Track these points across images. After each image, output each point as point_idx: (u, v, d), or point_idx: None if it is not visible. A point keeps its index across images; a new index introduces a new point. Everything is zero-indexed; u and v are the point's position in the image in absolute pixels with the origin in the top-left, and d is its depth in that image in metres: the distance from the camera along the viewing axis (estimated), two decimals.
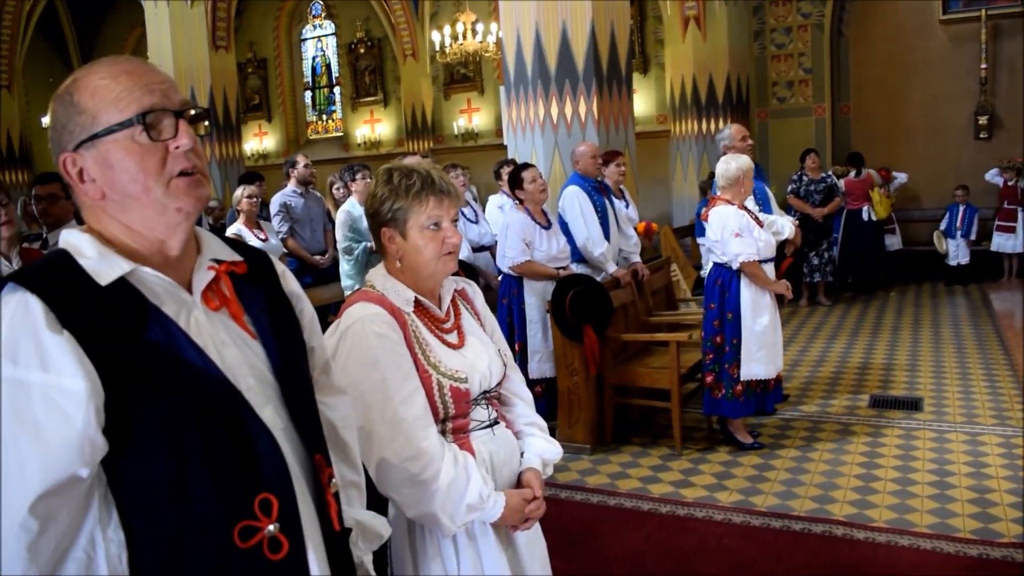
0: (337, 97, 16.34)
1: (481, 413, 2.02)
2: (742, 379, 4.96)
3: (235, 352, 1.32)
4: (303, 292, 1.58)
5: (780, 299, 5.07)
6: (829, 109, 11.96)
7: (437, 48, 11.66)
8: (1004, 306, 8.94)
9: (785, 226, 5.56)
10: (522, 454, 2.11)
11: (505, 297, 5.46)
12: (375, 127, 15.59)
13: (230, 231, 6.89)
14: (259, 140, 16.76)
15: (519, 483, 2.06)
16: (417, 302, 1.99)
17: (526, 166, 5.48)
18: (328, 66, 16.42)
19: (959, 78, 11.28)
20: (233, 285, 1.39)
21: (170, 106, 1.28)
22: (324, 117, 16.61)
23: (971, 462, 4.66)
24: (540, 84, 7.05)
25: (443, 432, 1.95)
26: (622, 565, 3.76)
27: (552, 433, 5.08)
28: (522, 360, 5.40)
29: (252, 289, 1.43)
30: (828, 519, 4.03)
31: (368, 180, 6.64)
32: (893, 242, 10.75)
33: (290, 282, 1.55)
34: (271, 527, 1.25)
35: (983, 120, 11.16)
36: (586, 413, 5.20)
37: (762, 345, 4.93)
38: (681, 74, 11.40)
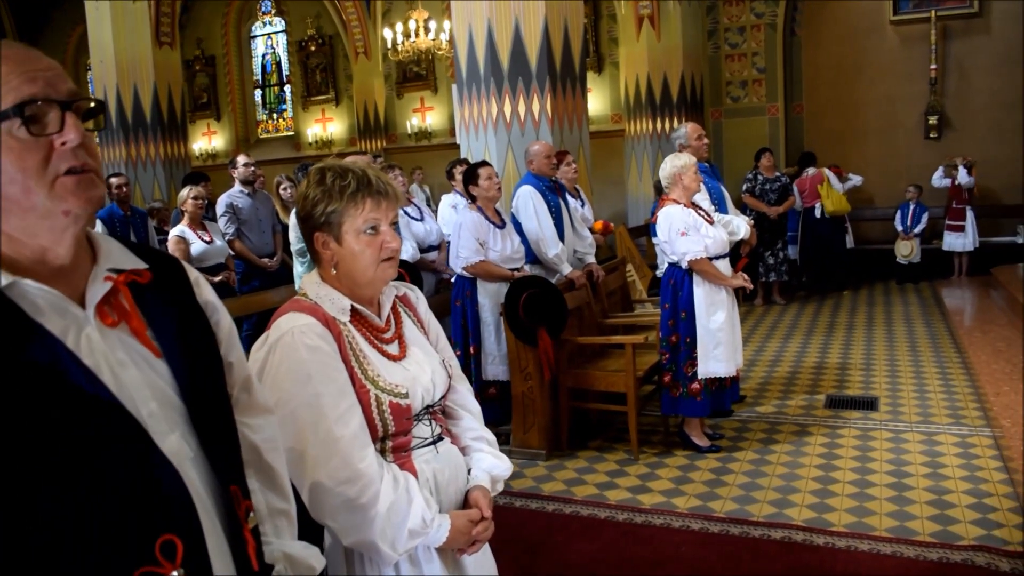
0: (288, 96, 16.04)
1: (424, 429, 1.88)
2: (700, 377, 4.88)
3: (135, 373, 1.16)
4: (219, 302, 1.43)
5: (741, 294, 5.01)
6: (782, 109, 12.01)
7: (389, 46, 11.46)
8: (955, 304, 9.03)
9: (741, 226, 5.50)
10: (469, 471, 1.97)
11: (459, 299, 5.32)
12: (327, 126, 15.32)
13: (173, 232, 6.65)
14: (208, 139, 16.39)
15: (466, 502, 1.92)
16: (354, 311, 1.85)
17: (482, 164, 5.35)
18: (279, 64, 16.11)
19: (910, 79, 11.41)
20: (136, 297, 1.23)
21: (55, 96, 1.12)
22: (275, 116, 16.29)
23: (928, 463, 4.63)
24: (493, 82, 6.92)
25: (382, 451, 1.81)
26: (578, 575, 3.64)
27: (506, 438, 4.94)
28: (476, 363, 5.27)
29: (158, 300, 1.26)
30: (787, 524, 3.95)
31: None
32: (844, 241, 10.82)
33: (204, 291, 1.40)
34: (175, 573, 1.10)
35: (933, 120, 11.30)
36: (541, 418, 5.08)
37: (719, 342, 4.85)
38: (636, 73, 11.34)
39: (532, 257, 5.59)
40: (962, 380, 6.16)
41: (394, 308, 1.96)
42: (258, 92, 16.42)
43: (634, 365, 4.93)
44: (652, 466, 4.86)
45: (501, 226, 5.27)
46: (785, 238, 9.80)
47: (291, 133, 15.96)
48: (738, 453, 4.96)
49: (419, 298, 2.06)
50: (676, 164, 4.86)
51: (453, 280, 5.45)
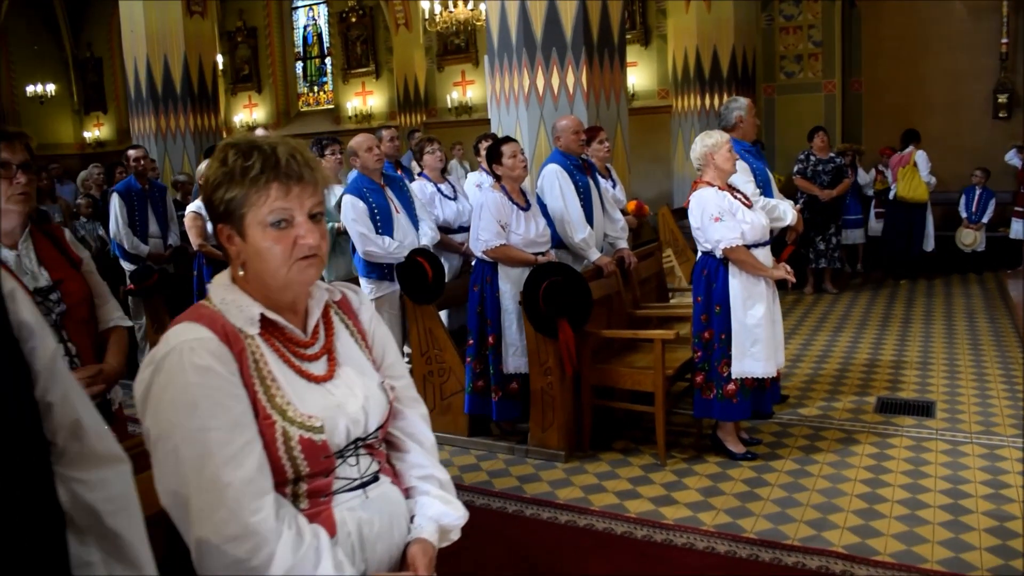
0: (328, 68, 15.75)
1: (350, 469, 1.52)
2: (735, 377, 4.44)
3: None
4: (42, 323, 1.07)
5: (783, 286, 4.56)
6: (839, 85, 11.36)
7: (426, 16, 11.06)
8: (1022, 297, 8.38)
9: (788, 211, 5.03)
10: (414, 519, 1.60)
11: (477, 284, 4.92)
12: (367, 99, 15.02)
13: (190, 208, 6.40)
14: (249, 112, 16.21)
15: (404, 559, 1.55)
16: (266, 321, 1.48)
17: (507, 140, 4.94)
18: (320, 36, 15.82)
19: (978, 53, 10.67)
20: None
21: None
22: (315, 89, 16.04)
23: (989, 481, 4.14)
24: (525, 53, 6.50)
25: (294, 497, 1.45)
26: None
27: (524, 437, 4.52)
28: (495, 354, 4.88)
29: None
30: (825, 550, 3.52)
31: (339, 156, 6.12)
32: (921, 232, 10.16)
33: (21, 308, 1.04)
34: None
35: (1003, 98, 10.57)
36: (561, 416, 4.70)
37: (757, 339, 4.40)
38: (684, 46, 10.78)
39: (558, 241, 5.19)
40: None
41: (327, 316, 1.60)
42: (299, 64, 16.17)
43: (663, 362, 4.51)
44: (680, 473, 4.45)
45: (526, 208, 4.86)
46: (839, 222, 9.21)
47: (331, 106, 15.69)
48: (776, 462, 4.52)
49: (363, 303, 1.69)
50: (707, 143, 4.40)
51: (473, 264, 5.07)
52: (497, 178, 4.88)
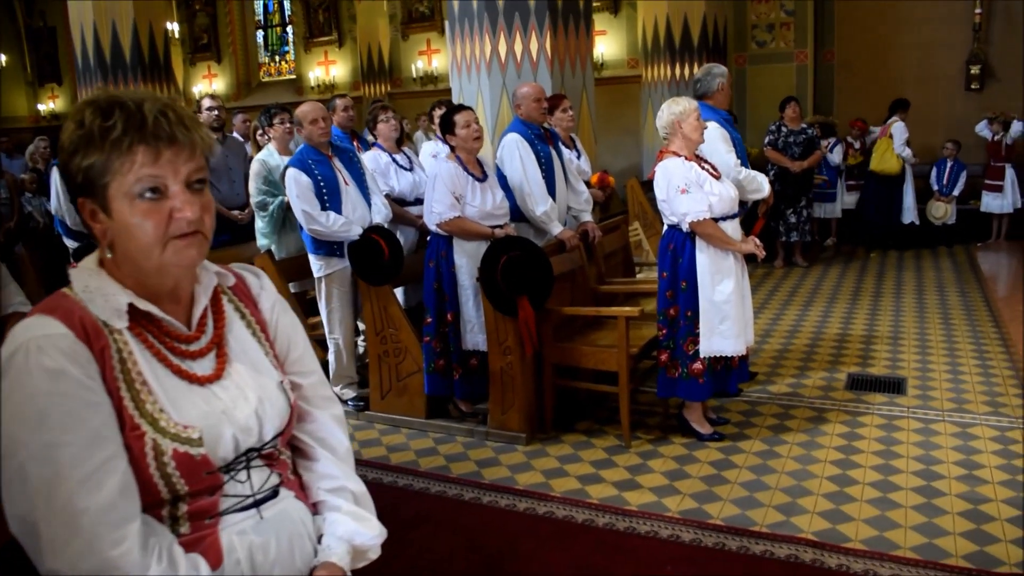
0: (290, 37, 15.30)
1: (240, 486, 1.29)
2: (703, 356, 4.26)
3: None
4: None
5: (751, 260, 4.36)
6: (811, 55, 11.16)
7: None
8: (993, 270, 8.30)
9: (765, 183, 4.83)
10: (321, 538, 1.38)
11: (432, 259, 4.68)
12: (329, 69, 14.59)
13: None
14: (208, 83, 15.74)
15: None
16: (137, 312, 1.25)
17: (460, 108, 4.68)
18: (280, 3, 15.34)
19: (951, 24, 10.51)
20: None
21: None
22: (276, 58, 15.58)
23: (962, 462, 4.00)
24: (487, 17, 6.22)
25: (172, 520, 1.22)
26: None
27: (484, 418, 4.29)
28: (454, 331, 4.67)
29: None
30: (795, 537, 3.36)
31: (288, 126, 5.82)
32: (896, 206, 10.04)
33: None
34: None
35: (975, 70, 10.43)
36: (521, 397, 4.49)
37: (725, 316, 4.21)
38: (654, 15, 10.49)
39: (519, 215, 4.96)
40: (1001, 359, 5.49)
41: (217, 304, 1.36)
42: (260, 33, 15.69)
43: (627, 340, 4.31)
44: (645, 456, 4.27)
45: (482, 179, 4.62)
46: (810, 195, 9.06)
47: (293, 77, 15.26)
48: (744, 443, 4.35)
49: (264, 287, 1.46)
50: (674, 111, 4.18)
51: (428, 238, 4.82)
52: (452, 148, 4.64)
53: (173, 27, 14.79)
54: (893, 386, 5.10)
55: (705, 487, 3.87)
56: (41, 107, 18.14)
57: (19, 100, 18.08)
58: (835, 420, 4.60)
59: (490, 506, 3.80)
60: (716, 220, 4.15)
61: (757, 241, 4.25)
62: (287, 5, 15.20)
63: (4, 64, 17.33)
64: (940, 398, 4.87)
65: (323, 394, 1.49)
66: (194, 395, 1.26)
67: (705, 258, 4.17)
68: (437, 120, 5.62)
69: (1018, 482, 3.76)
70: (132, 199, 1.19)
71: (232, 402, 1.29)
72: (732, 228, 4.25)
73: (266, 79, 15.66)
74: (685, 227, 4.16)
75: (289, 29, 15.27)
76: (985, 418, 4.53)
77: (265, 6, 15.53)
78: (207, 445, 1.23)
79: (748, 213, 4.83)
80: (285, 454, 1.40)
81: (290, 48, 15.33)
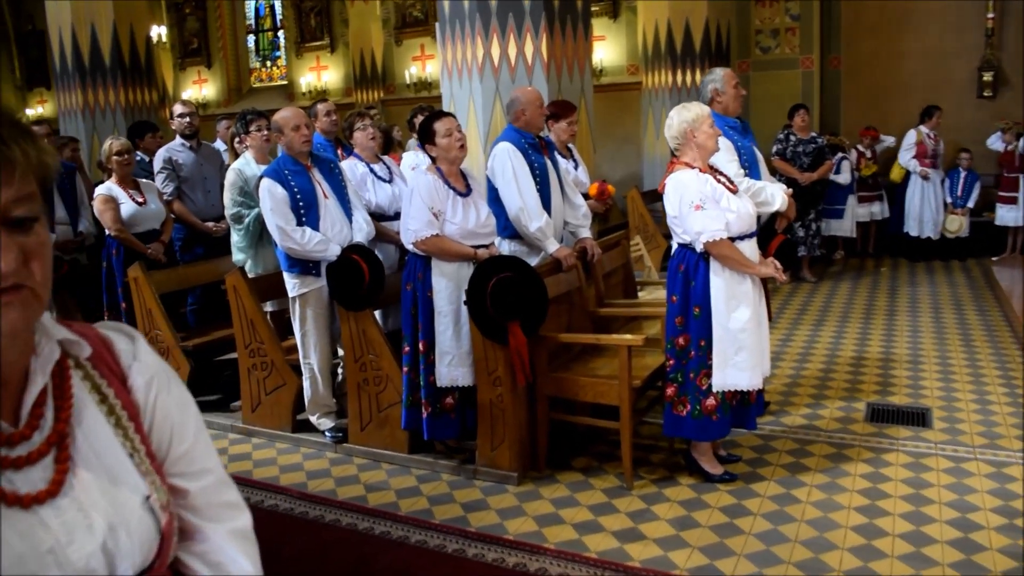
0: (282, 42, 14.91)
1: None
2: (715, 390, 3.84)
3: None
4: None
5: (768, 284, 3.95)
6: (817, 61, 10.78)
7: None
8: (1011, 287, 7.90)
9: (776, 195, 4.42)
10: None
11: (409, 282, 4.24)
12: (321, 75, 14.20)
13: (99, 191, 5.69)
14: (198, 88, 15.35)
15: None
16: None
17: (441, 114, 4.26)
18: (272, 7, 14.96)
19: (962, 29, 10.13)
20: None
21: None
22: (268, 63, 15.19)
23: (1000, 508, 3.60)
24: (479, 19, 5.84)
25: None
26: None
27: (471, 456, 3.86)
28: (427, 363, 4.22)
29: None
30: None
31: (265, 132, 5.42)
32: (880, 210, 9.69)
33: None
34: None
35: (988, 77, 10.05)
36: (512, 432, 4.09)
37: (742, 346, 3.79)
38: (655, 20, 10.13)
39: (512, 231, 4.57)
40: None
41: (63, 385, 0.96)
42: (251, 38, 15.30)
43: (630, 372, 3.90)
44: (649, 499, 3.86)
45: (465, 193, 4.20)
46: (819, 208, 8.67)
47: (285, 82, 14.86)
48: (758, 485, 3.95)
49: (139, 355, 1.05)
50: (685, 118, 3.78)
51: (406, 258, 4.40)
52: (433, 159, 4.23)
53: (161, 31, 14.40)
54: (917, 418, 4.70)
55: (716, 538, 3.47)
56: (30, 111, 17.73)
57: (7, 104, 17.69)
58: (857, 459, 4.19)
59: (476, 560, 3.39)
60: (733, 240, 3.74)
61: (777, 264, 3.83)
62: (279, 9, 14.81)
63: None
64: (970, 432, 4.47)
65: (222, 500, 1.09)
66: (13, 523, 0.86)
67: (721, 281, 3.75)
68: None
69: None
70: None
71: (68, 535, 0.89)
72: (750, 248, 3.83)
73: (257, 84, 15.27)
74: (699, 247, 3.75)
75: (281, 34, 14.88)
76: (1021, 455, 4.12)
77: (256, 10, 15.14)
78: None
79: (764, 228, 4.40)
80: None
81: (282, 53, 14.94)
